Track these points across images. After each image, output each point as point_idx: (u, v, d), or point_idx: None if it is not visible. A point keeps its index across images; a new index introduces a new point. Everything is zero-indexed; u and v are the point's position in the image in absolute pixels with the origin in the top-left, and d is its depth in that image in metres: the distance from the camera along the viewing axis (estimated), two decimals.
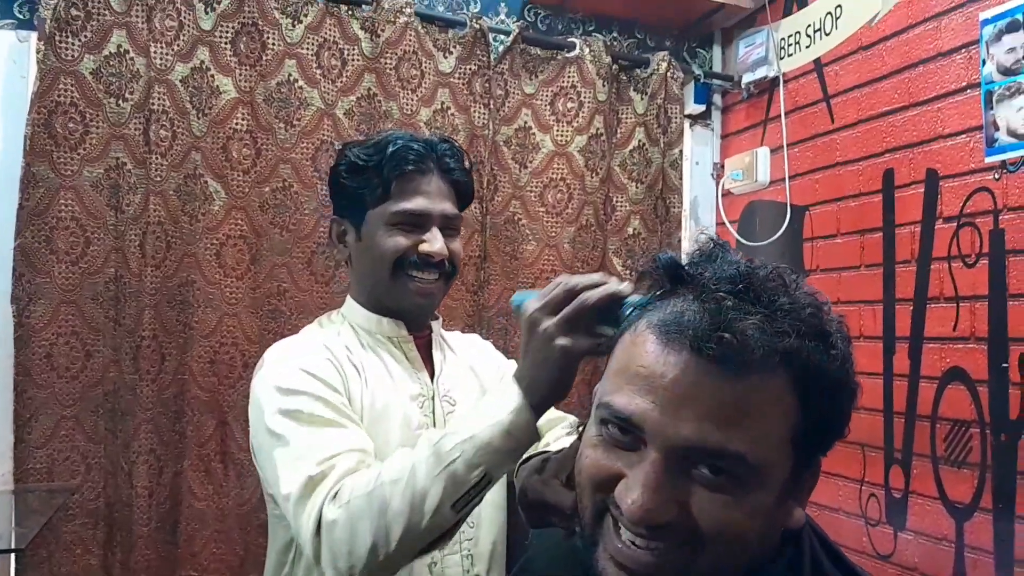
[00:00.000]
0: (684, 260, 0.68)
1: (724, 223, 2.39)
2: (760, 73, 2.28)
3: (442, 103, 2.11)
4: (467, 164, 1.29)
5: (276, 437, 1.06)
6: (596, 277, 0.85)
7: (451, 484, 0.90)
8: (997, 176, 1.62)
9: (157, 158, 1.84)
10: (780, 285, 0.65)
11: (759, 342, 0.60)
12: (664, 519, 0.61)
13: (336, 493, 0.95)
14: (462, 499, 0.90)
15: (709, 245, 0.69)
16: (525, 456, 1.02)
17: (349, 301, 1.29)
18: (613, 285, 0.83)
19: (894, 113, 1.87)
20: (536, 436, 0.91)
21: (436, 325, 1.31)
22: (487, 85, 2.14)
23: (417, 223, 1.19)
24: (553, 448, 1.05)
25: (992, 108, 1.62)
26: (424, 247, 1.19)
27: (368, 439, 1.07)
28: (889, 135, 1.88)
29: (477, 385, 1.30)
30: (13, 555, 1.71)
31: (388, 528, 0.90)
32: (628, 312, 0.78)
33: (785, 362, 0.61)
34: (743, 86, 2.35)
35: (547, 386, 0.88)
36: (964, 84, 1.69)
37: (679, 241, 2.32)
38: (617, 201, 2.30)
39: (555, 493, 0.85)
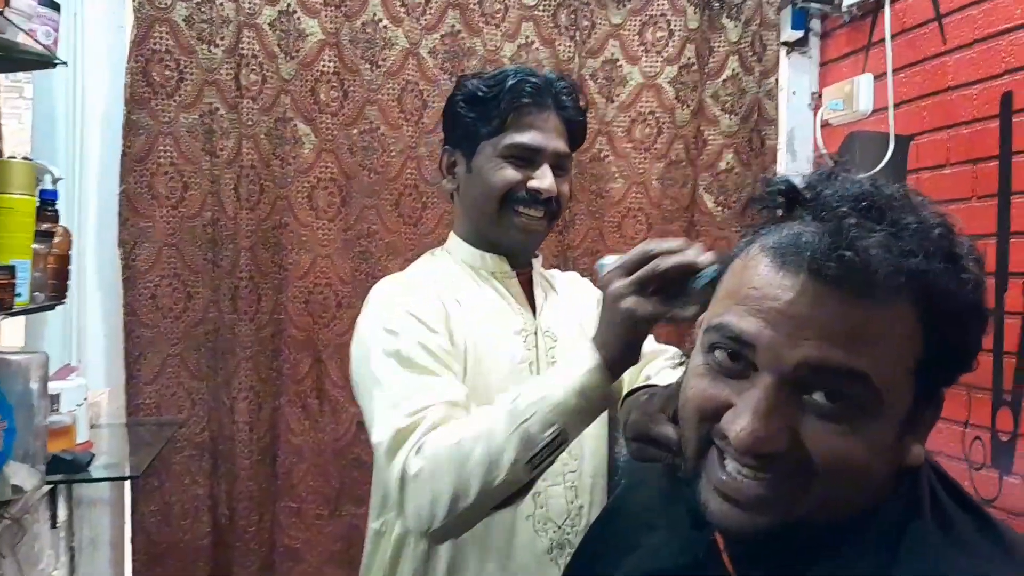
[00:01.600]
0: (817, 183, 0.64)
1: (823, 155, 2.28)
2: None
3: (526, 37, 2.06)
4: (583, 103, 1.28)
5: (375, 378, 1.09)
6: (677, 243, 0.83)
7: (526, 442, 0.91)
8: None
9: (248, 102, 1.88)
10: (907, 204, 0.61)
11: (883, 262, 0.56)
12: (775, 448, 0.59)
13: (421, 446, 0.99)
14: (536, 457, 0.92)
15: (829, 166, 0.65)
16: (631, 389, 1.01)
17: (453, 237, 1.30)
18: (691, 254, 0.81)
19: (1016, 31, 1.72)
20: (611, 398, 0.92)
21: (536, 263, 1.31)
22: (572, 16, 2.08)
23: (529, 158, 1.18)
24: (657, 381, 1.04)
25: None
26: (533, 183, 1.17)
27: (462, 388, 1.09)
28: (1009, 55, 1.74)
29: (577, 322, 1.29)
30: (129, 482, 1.82)
31: (467, 482, 0.93)
32: (697, 284, 0.77)
33: (911, 285, 0.57)
34: (844, 9, 2.21)
35: (617, 347, 0.88)
36: None
37: (775, 175, 2.22)
38: (709, 135, 2.22)
39: (660, 427, 0.84)
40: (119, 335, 1.87)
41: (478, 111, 1.20)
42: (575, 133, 1.25)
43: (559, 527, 1.17)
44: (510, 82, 1.18)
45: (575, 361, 0.91)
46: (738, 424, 0.59)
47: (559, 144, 1.20)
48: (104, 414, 1.85)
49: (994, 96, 1.77)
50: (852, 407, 0.58)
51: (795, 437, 0.59)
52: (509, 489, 0.94)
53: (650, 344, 1.26)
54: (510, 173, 1.18)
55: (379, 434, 1.04)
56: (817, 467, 0.59)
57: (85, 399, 1.62)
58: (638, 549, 0.80)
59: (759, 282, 0.61)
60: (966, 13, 1.85)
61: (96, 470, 1.55)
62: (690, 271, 0.80)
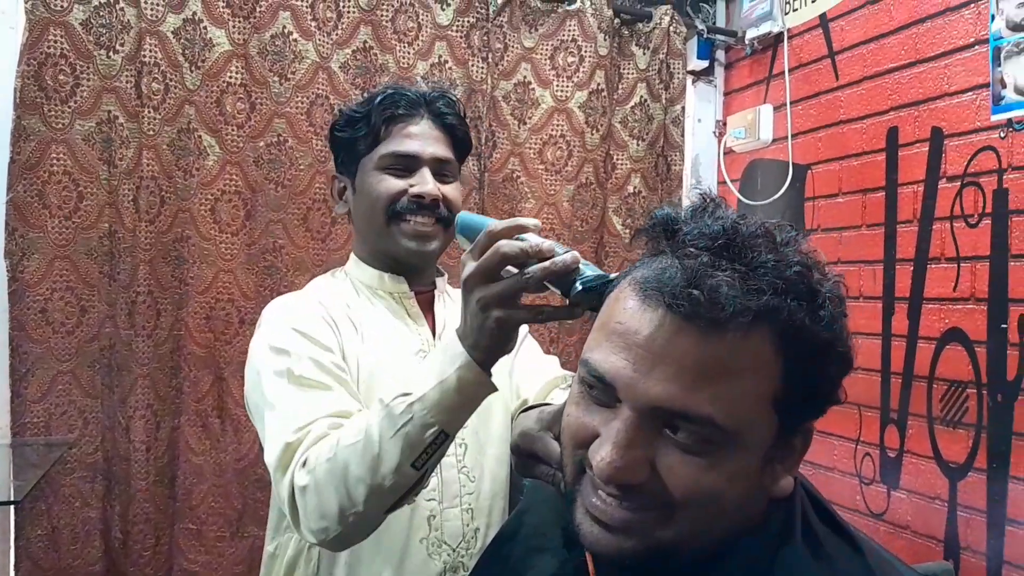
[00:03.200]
0: (683, 219, 0.66)
1: (726, 182, 2.36)
2: (764, 28, 2.23)
3: (439, 56, 2.07)
4: (461, 111, 1.28)
5: (266, 400, 1.08)
6: (536, 245, 0.79)
7: (407, 445, 0.88)
8: (1003, 135, 1.59)
9: (150, 112, 1.82)
10: (767, 242, 0.62)
11: (730, 299, 0.58)
12: (633, 479, 0.61)
13: (306, 460, 0.97)
14: (420, 458, 0.89)
15: (701, 201, 0.67)
16: (527, 407, 1.02)
17: (352, 258, 1.29)
18: (558, 261, 0.77)
19: (900, 70, 1.83)
20: (490, 386, 0.89)
21: (441, 282, 1.30)
22: (486, 38, 2.10)
23: (407, 166, 1.19)
24: (556, 402, 1.05)
25: (1000, 65, 1.58)
26: (414, 189, 1.18)
27: (352, 400, 1.07)
28: (894, 92, 1.84)
29: None
30: (12, 507, 1.73)
31: (351, 491, 0.91)
32: (576, 290, 0.76)
33: (765, 321, 0.59)
34: (747, 42, 2.31)
35: (489, 346, 0.86)
36: (972, 40, 1.65)
37: (679, 200, 2.30)
38: (618, 159, 2.27)
39: (545, 446, 0.85)
40: (4, 351, 1.77)
41: (352, 131, 1.21)
42: (458, 139, 1.25)
43: (453, 550, 1.16)
44: (379, 97, 1.20)
45: (447, 357, 0.88)
46: (599, 455, 0.61)
47: (437, 149, 1.21)
48: None
49: (881, 130, 1.88)
50: (707, 442, 0.60)
51: (653, 469, 0.61)
52: (398, 492, 0.92)
53: (555, 369, 1.27)
54: (391, 183, 1.18)
55: (269, 453, 1.02)
56: (675, 499, 0.61)
57: None
58: (528, 572, 0.80)
59: (623, 316, 0.63)
60: (856, 52, 1.96)
61: None
62: (569, 271, 0.77)
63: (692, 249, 0.61)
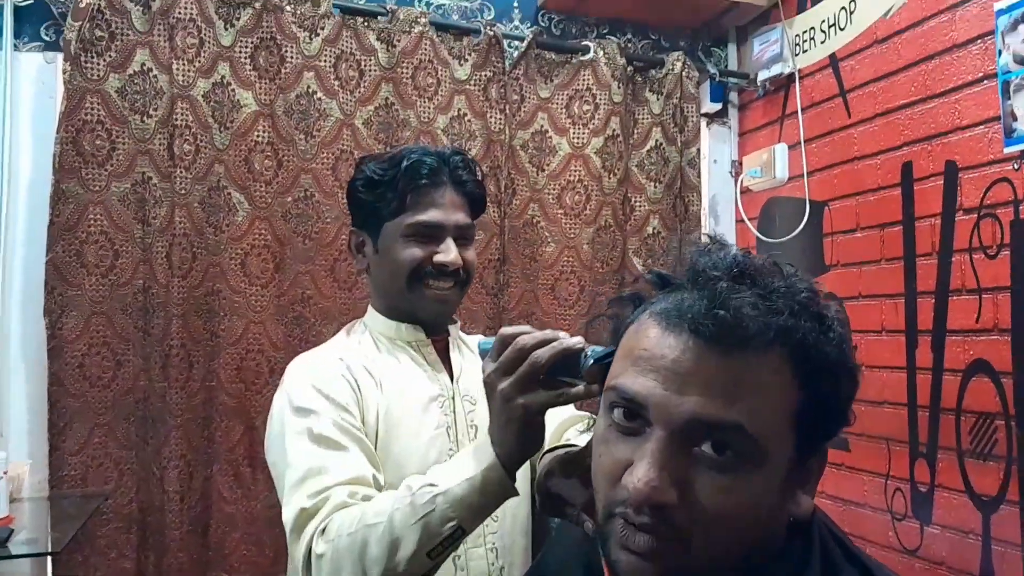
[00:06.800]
0: (695, 256, 0.71)
1: (744, 220, 2.39)
2: (776, 70, 2.27)
3: (459, 110, 2.13)
4: (479, 174, 1.33)
5: (286, 460, 1.12)
6: (546, 334, 0.86)
7: (425, 534, 0.92)
8: (1016, 166, 1.61)
9: (182, 171, 1.89)
10: (776, 271, 0.68)
11: (753, 319, 0.62)
12: (668, 498, 0.62)
13: (325, 528, 1.01)
14: (436, 548, 0.93)
15: (706, 242, 0.72)
16: (549, 448, 1.04)
17: (370, 310, 1.34)
18: (564, 341, 0.85)
19: (911, 106, 1.86)
20: (512, 491, 0.93)
21: (454, 329, 1.35)
22: (503, 91, 2.16)
23: (432, 234, 1.24)
24: (576, 442, 1.07)
25: (1010, 98, 1.60)
26: (439, 257, 1.23)
27: (367, 463, 1.11)
28: (907, 128, 1.87)
29: None
30: (50, 558, 1.76)
31: (367, 569, 0.94)
32: (589, 362, 0.80)
33: (782, 340, 0.63)
34: (759, 83, 2.35)
35: (516, 444, 0.90)
36: (980, 75, 1.68)
37: (699, 239, 2.32)
38: (636, 201, 2.31)
39: (569, 487, 0.87)
40: (43, 405, 1.82)
41: (377, 194, 1.25)
42: (475, 202, 1.31)
43: None
44: (405, 164, 1.23)
45: (476, 455, 0.93)
46: (635, 476, 0.63)
47: (459, 217, 1.26)
48: (26, 487, 1.79)
49: (896, 166, 1.90)
50: (737, 458, 0.62)
51: (687, 489, 0.63)
52: None
53: (569, 410, 1.29)
54: (415, 251, 1.23)
55: (286, 513, 1.07)
56: (703, 518, 0.62)
57: (5, 472, 1.58)
58: None
59: (648, 344, 0.66)
60: (867, 89, 1.99)
61: (15, 546, 1.50)
62: (571, 353, 0.83)
63: (714, 274, 0.66)
